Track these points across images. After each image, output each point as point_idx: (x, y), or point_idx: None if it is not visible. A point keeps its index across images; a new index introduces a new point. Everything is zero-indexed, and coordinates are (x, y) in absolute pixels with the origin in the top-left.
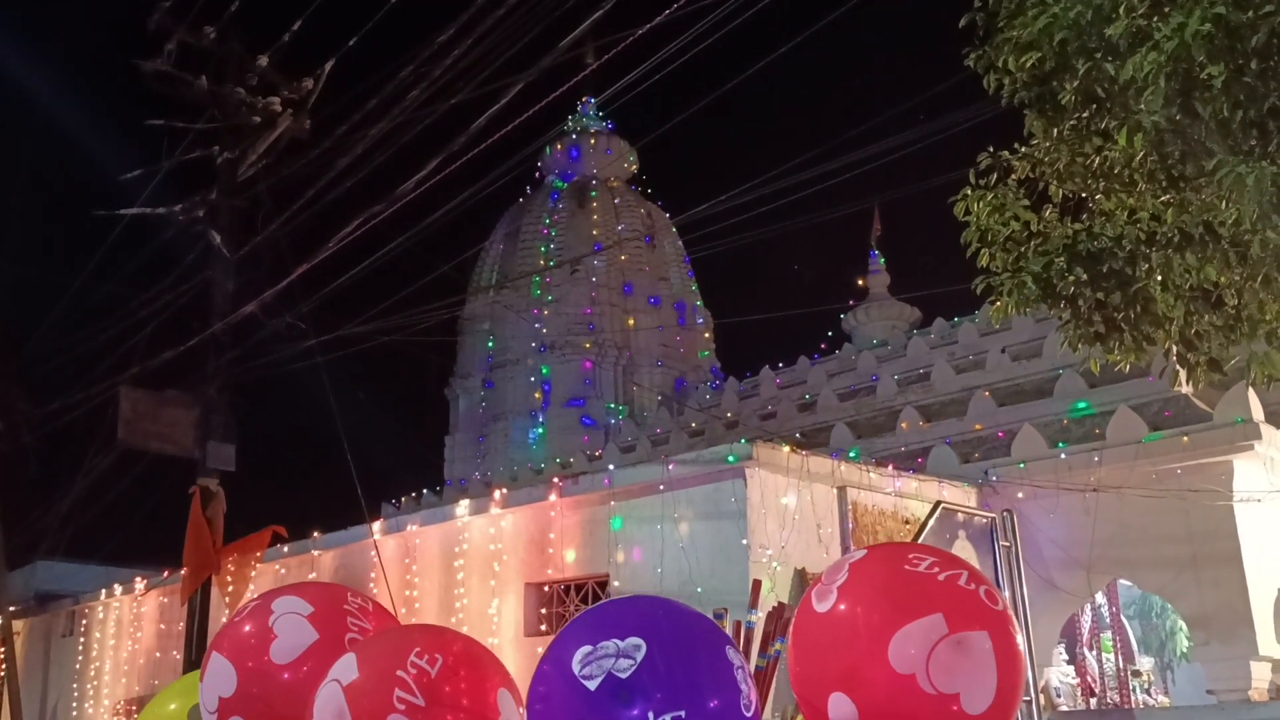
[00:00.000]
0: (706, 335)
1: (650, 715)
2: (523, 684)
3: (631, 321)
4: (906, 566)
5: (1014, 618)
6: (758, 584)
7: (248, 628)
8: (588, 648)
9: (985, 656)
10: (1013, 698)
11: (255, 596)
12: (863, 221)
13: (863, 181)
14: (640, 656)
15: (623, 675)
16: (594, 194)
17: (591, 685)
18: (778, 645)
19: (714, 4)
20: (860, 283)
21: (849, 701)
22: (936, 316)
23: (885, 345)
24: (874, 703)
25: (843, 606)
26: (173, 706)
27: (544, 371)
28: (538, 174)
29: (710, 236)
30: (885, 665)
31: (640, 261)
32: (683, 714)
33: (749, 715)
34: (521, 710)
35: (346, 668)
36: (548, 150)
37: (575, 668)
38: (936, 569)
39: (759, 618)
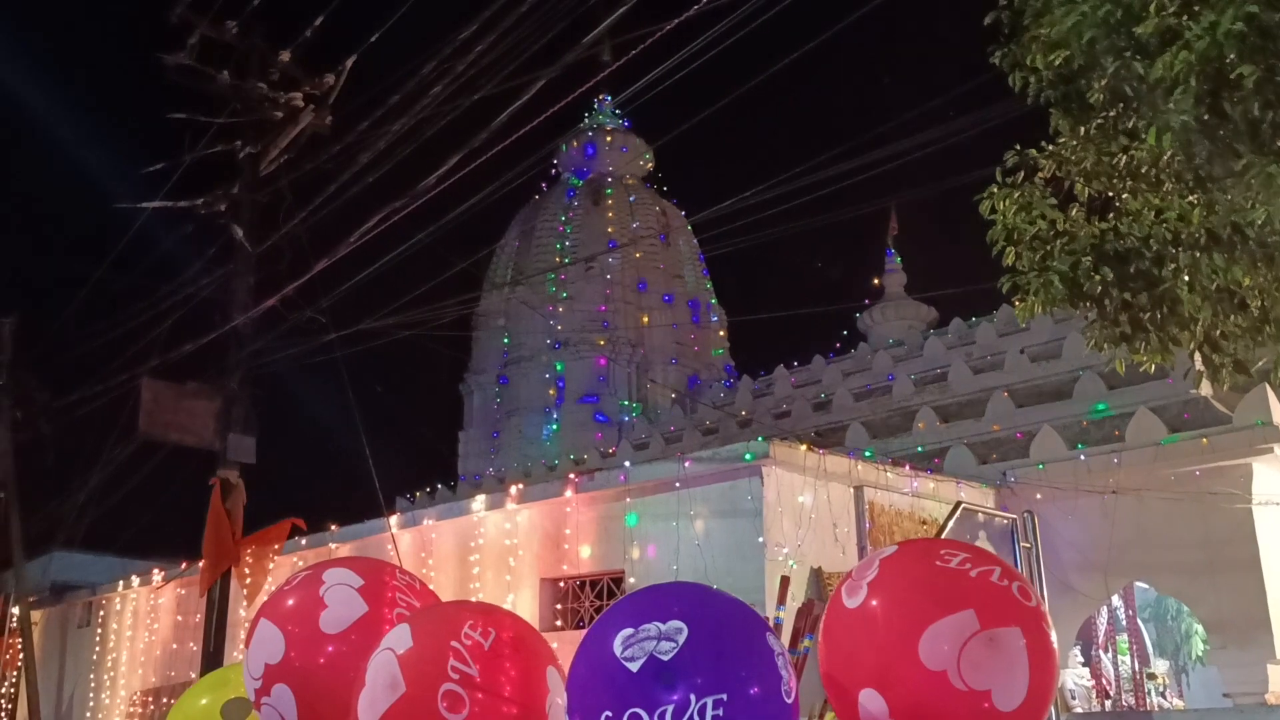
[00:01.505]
0: (720, 333)
1: (692, 698)
2: None
3: (645, 319)
4: (938, 563)
5: (1047, 614)
6: (785, 581)
7: (299, 596)
8: (629, 630)
9: (1018, 653)
10: (1045, 694)
11: (306, 568)
12: (879, 221)
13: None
14: (682, 640)
15: (665, 657)
16: (609, 191)
17: (633, 667)
18: (806, 642)
19: (733, 4)
20: (876, 282)
21: (880, 698)
22: (954, 316)
23: (901, 345)
24: (905, 699)
25: (874, 602)
26: (204, 702)
27: (558, 368)
28: (553, 171)
29: (725, 235)
30: (916, 662)
31: (655, 259)
32: (725, 697)
33: (789, 702)
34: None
35: (400, 637)
36: (564, 147)
37: (617, 649)
38: (968, 565)
39: (787, 614)
